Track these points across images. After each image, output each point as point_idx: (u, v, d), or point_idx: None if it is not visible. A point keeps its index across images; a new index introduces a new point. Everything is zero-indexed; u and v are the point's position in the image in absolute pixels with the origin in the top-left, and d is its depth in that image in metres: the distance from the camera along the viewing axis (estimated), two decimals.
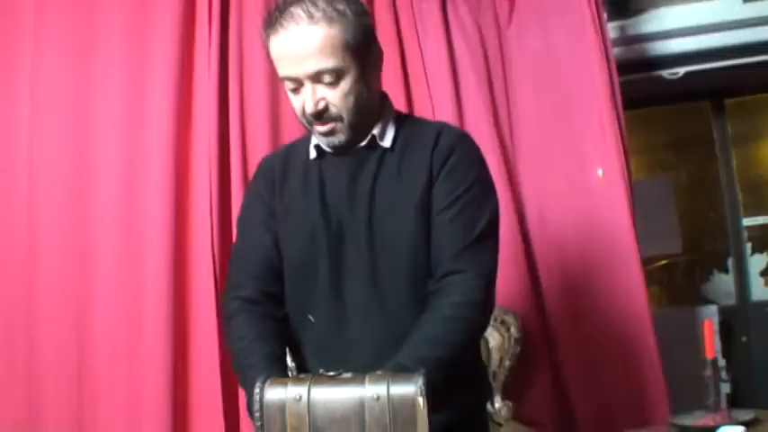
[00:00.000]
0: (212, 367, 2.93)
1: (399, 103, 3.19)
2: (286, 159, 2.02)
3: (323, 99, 1.79)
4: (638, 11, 3.95)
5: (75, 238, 3.07)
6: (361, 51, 1.82)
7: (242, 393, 2.91)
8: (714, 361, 2.17)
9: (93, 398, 2.98)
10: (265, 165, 2.08)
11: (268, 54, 1.83)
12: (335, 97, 1.79)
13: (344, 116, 1.82)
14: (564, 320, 3.26)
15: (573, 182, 3.35)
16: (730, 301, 4.93)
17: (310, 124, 1.84)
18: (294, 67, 1.76)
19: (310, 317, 1.89)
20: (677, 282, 5.47)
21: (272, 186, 1.97)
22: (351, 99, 1.81)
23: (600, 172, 3.30)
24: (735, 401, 4.55)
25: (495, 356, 3.01)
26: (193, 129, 3.13)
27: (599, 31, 3.30)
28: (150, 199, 3.04)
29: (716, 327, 4.57)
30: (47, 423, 2.99)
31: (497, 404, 3.00)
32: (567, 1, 3.37)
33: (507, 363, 3.00)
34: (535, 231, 3.35)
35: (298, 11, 1.74)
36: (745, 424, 2.02)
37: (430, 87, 3.30)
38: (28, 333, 3.05)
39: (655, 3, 3.93)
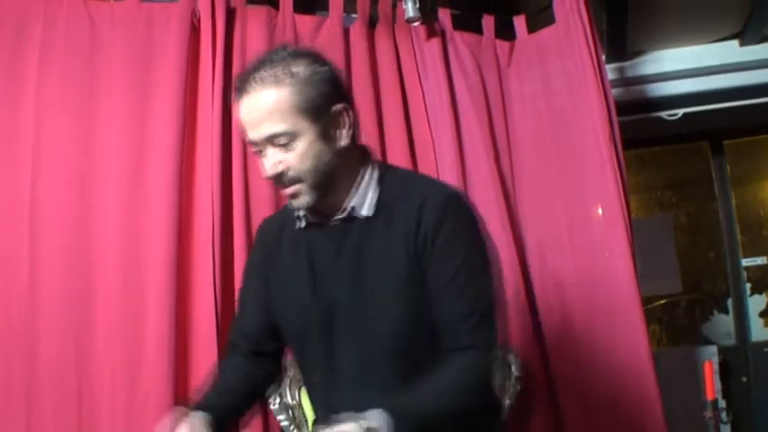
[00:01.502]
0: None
1: (401, 144, 3.24)
2: (282, 224, 2.02)
3: (280, 162, 1.76)
4: (637, 53, 4.00)
5: (77, 252, 3.08)
6: (317, 112, 1.78)
7: None
8: (714, 402, 2.18)
9: (92, 411, 2.97)
10: (262, 230, 2.12)
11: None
12: (291, 160, 1.76)
13: (304, 178, 1.78)
14: (564, 359, 3.26)
15: (573, 220, 3.37)
16: (730, 341, 4.92)
17: (278, 188, 1.83)
18: (252, 131, 1.76)
19: (313, 378, 1.95)
20: (677, 321, 5.46)
21: (267, 253, 2.01)
22: (309, 161, 1.77)
23: (600, 211, 3.32)
24: None
25: None
26: (197, 140, 3.14)
27: (597, 73, 3.33)
28: (153, 214, 3.03)
29: (715, 367, 4.57)
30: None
31: None
32: (566, 43, 3.40)
33: (507, 401, 3.00)
34: (535, 270, 3.37)
35: (253, 75, 1.75)
36: None
37: (431, 127, 3.32)
38: (27, 343, 3.04)
39: (653, 45, 3.99)
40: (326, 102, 1.80)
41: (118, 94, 2.95)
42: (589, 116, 3.35)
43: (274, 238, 2.01)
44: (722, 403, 4.53)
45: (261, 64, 1.76)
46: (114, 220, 2.96)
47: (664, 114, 4.09)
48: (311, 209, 1.86)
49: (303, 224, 1.91)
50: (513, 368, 3.02)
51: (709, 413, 2.18)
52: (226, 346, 2.09)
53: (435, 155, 3.30)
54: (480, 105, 3.38)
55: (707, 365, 2.13)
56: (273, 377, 2.03)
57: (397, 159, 3.24)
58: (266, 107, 1.72)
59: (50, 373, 3.00)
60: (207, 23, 3.00)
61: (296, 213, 1.91)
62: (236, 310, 2.11)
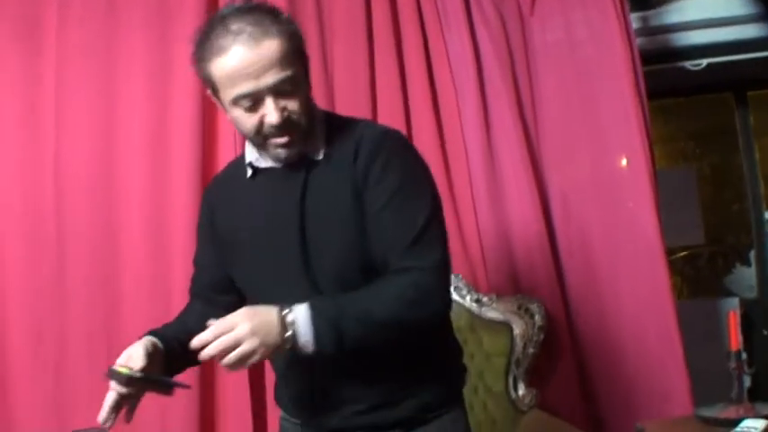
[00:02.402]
0: None
1: (423, 95, 3.26)
2: (224, 179, 2.09)
3: (284, 109, 1.77)
4: (661, 2, 3.95)
5: (102, 207, 3.14)
6: (305, 58, 1.85)
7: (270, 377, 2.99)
8: (738, 352, 2.17)
9: None
10: (207, 189, 2.18)
11: (207, 79, 1.80)
12: (295, 106, 1.79)
13: (302, 125, 1.81)
14: (587, 308, 3.28)
15: (597, 171, 3.37)
16: (752, 294, 4.91)
17: (266, 139, 1.81)
18: (254, 81, 1.73)
19: None
20: (699, 273, 5.46)
21: (211, 208, 2.05)
22: (305, 107, 1.81)
23: (624, 161, 3.32)
24: (755, 395, 4.55)
25: (518, 343, 3.04)
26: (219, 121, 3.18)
27: (622, 22, 3.31)
28: (176, 172, 3.12)
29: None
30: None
31: (521, 391, 3.03)
32: None
33: (531, 350, 3.03)
34: (559, 220, 3.37)
35: (245, 28, 1.73)
36: None
37: (454, 79, 3.32)
38: (57, 296, 3.14)
39: None
40: (304, 48, 1.86)
41: (138, 54, 2.99)
42: (613, 66, 3.33)
43: (218, 194, 2.05)
44: (743, 356, 4.55)
45: (240, 16, 1.75)
46: (138, 178, 3.02)
47: (688, 64, 4.04)
48: (267, 156, 1.88)
49: (250, 173, 1.93)
50: (536, 317, 3.05)
51: (733, 364, 2.17)
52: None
53: (458, 107, 3.30)
54: (503, 57, 3.36)
55: (731, 315, 2.12)
56: None
57: (420, 112, 3.26)
58: (272, 55, 1.73)
59: (79, 326, 3.08)
60: None
61: (247, 161, 1.93)
62: (193, 260, 2.14)
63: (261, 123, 1.77)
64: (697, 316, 4.51)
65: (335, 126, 1.93)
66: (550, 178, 3.38)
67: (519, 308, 3.06)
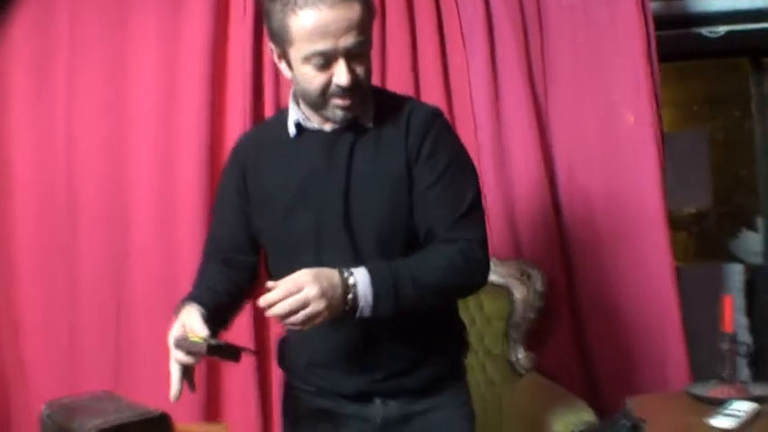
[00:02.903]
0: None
1: (433, 57, 3.26)
2: (259, 139, 2.08)
3: (354, 72, 1.81)
4: None
5: (112, 178, 3.18)
6: (372, 26, 1.88)
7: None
8: (732, 335, 2.20)
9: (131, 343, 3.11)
10: (238, 146, 2.14)
11: (281, 31, 1.81)
12: (363, 71, 1.84)
13: (364, 88, 1.87)
14: (588, 275, 3.32)
15: (604, 135, 3.37)
16: (757, 259, 4.92)
17: (328, 99, 1.85)
18: (333, 41, 1.76)
19: None
20: (705, 233, 5.47)
21: (242, 168, 2.03)
22: (370, 72, 1.87)
23: (631, 125, 3.31)
24: (756, 360, 4.60)
25: (518, 308, 3.08)
26: (228, 68, 3.20)
27: None
28: (185, 142, 3.15)
29: (741, 285, 4.59)
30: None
31: (519, 354, 3.08)
32: None
33: (530, 315, 3.07)
34: (564, 184, 3.40)
35: None
36: (759, 399, 2.05)
37: (465, 41, 3.31)
38: (68, 260, 3.20)
39: None
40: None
41: (149, 34, 3.02)
42: (626, 29, 3.32)
43: (252, 152, 2.05)
44: (745, 321, 4.59)
45: None
46: (147, 149, 3.07)
47: (705, 31, 4.00)
48: (313, 117, 1.93)
49: (294, 132, 1.96)
50: (536, 283, 3.08)
51: (726, 345, 2.20)
52: (201, 257, 2.12)
53: (468, 70, 3.30)
54: (516, 18, 3.35)
55: (726, 300, 2.14)
56: (250, 286, 2.06)
57: (429, 74, 3.25)
58: (354, 18, 1.77)
59: (90, 290, 3.14)
60: None
61: (294, 121, 1.96)
62: (211, 224, 2.16)
63: (328, 83, 1.81)
64: (702, 280, 4.54)
65: (382, 98, 1.99)
66: (557, 144, 3.39)
67: (520, 273, 3.10)
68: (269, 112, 3.10)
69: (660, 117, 3.33)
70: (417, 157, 1.89)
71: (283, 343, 2.13)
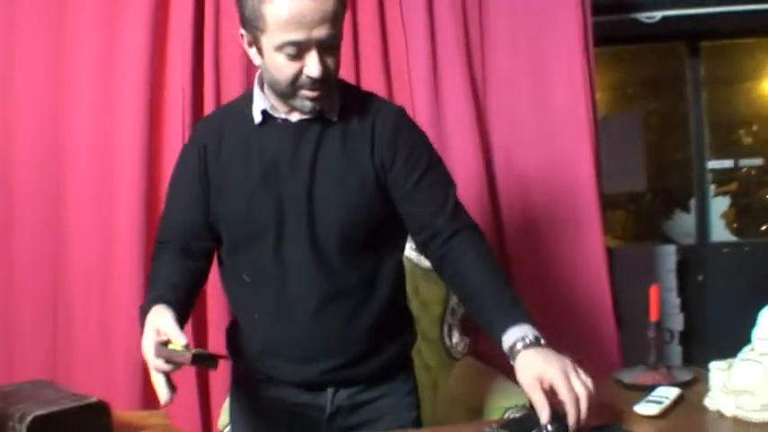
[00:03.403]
0: None
1: (374, 42, 3.23)
2: (221, 123, 2.05)
3: (325, 64, 1.82)
4: None
5: (50, 156, 3.10)
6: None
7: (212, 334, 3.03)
8: (657, 323, 2.24)
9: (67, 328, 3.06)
10: (199, 129, 2.13)
11: (255, 18, 1.81)
12: (333, 63, 1.85)
13: (332, 81, 1.89)
14: (524, 260, 3.36)
15: (539, 121, 3.42)
16: (690, 240, 5.02)
17: (298, 90, 1.85)
18: (306, 31, 1.77)
19: (245, 276, 1.98)
20: (641, 214, 5.55)
21: (203, 151, 2.00)
22: (338, 65, 1.88)
23: (565, 110, 3.35)
24: (687, 338, 4.71)
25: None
26: (168, 73, 3.14)
27: None
28: (124, 120, 3.08)
29: (673, 266, 4.68)
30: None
31: (455, 339, 3.10)
32: None
33: None
34: (501, 168, 3.43)
35: None
36: (683, 384, 2.10)
37: (405, 25, 3.31)
38: (3, 241, 3.12)
39: None
40: None
41: (89, 14, 2.94)
42: (563, 14, 3.38)
43: (213, 135, 2.02)
44: (677, 301, 4.69)
45: None
46: (86, 125, 2.99)
47: (641, 16, 4.05)
48: (279, 106, 1.93)
49: (260, 119, 1.96)
50: None
51: (652, 333, 2.24)
52: (155, 244, 2.09)
53: (408, 54, 3.30)
54: (456, 3, 3.36)
55: (652, 290, 2.18)
56: (205, 275, 2.05)
57: (369, 58, 3.24)
58: (329, 10, 1.77)
59: (26, 280, 3.07)
60: None
61: (261, 108, 1.95)
62: (164, 209, 2.11)
63: (299, 73, 1.82)
64: (636, 261, 4.62)
65: (347, 92, 2.01)
66: (494, 128, 3.42)
67: None
68: (208, 105, 3.06)
69: (595, 100, 3.37)
70: (394, 160, 1.93)
71: (233, 331, 2.11)
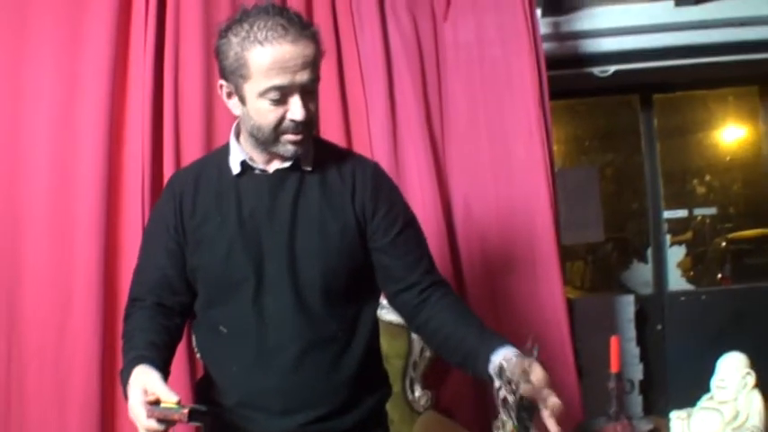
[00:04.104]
0: None
1: (333, 98, 3.25)
2: (197, 177, 2.07)
3: (307, 108, 1.88)
4: (573, 9, 4.01)
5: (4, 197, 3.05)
6: None
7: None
8: (618, 374, 2.26)
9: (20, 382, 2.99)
10: (174, 181, 2.14)
11: (238, 66, 1.86)
12: (314, 107, 1.93)
13: (314, 126, 1.98)
14: (484, 312, 3.33)
15: (498, 172, 3.43)
16: (647, 289, 5.07)
17: (281, 134, 1.90)
18: (291, 76, 1.83)
19: (222, 328, 1.98)
20: (599, 264, 5.61)
21: (179, 205, 2.02)
22: (317, 110, 1.97)
23: (523, 163, 3.38)
24: (647, 388, 4.73)
25: (416, 347, 3.09)
26: (126, 124, 3.10)
27: (530, 26, 3.38)
28: (82, 193, 3.02)
29: (631, 316, 4.71)
30: None
31: (417, 393, 3.09)
32: None
33: (428, 354, 3.08)
34: (460, 220, 3.43)
35: (288, 26, 1.84)
36: None
37: (364, 79, 3.33)
38: None
39: (589, 1, 4.00)
40: None
41: (48, 35, 2.90)
42: (518, 68, 3.40)
43: (188, 188, 2.05)
44: (636, 351, 4.72)
45: (289, 16, 1.86)
46: (43, 165, 2.94)
47: (595, 71, 4.13)
48: (257, 157, 1.99)
49: (238, 170, 1.99)
50: None
51: (612, 384, 2.26)
52: (128, 297, 2.07)
53: (367, 111, 3.33)
54: (414, 60, 3.39)
55: (613, 341, 2.21)
56: (180, 332, 2.04)
57: (330, 114, 3.25)
58: (310, 56, 1.85)
59: None
60: None
61: (240, 159, 1.99)
62: (138, 264, 2.11)
63: (282, 118, 1.88)
64: (594, 311, 4.64)
65: (320, 144, 2.09)
66: (453, 180, 3.44)
67: None
68: (168, 163, 3.04)
69: (552, 152, 3.41)
70: (375, 212, 2.02)
71: (205, 385, 2.09)
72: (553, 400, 1.67)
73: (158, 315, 1.98)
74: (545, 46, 3.52)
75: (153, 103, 2.98)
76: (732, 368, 2.03)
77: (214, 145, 2.98)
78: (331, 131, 3.21)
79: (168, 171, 2.95)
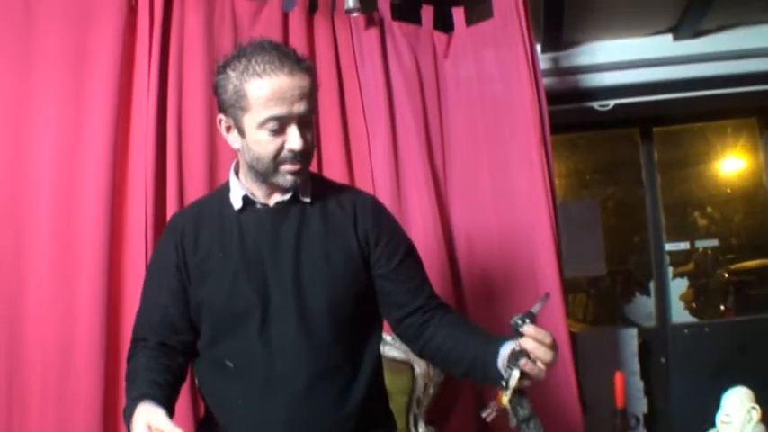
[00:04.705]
0: None
1: (335, 133, 3.25)
2: (198, 215, 2.12)
3: (305, 139, 1.94)
4: (572, 44, 4.05)
5: (8, 242, 3.03)
6: None
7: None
8: (623, 410, 2.26)
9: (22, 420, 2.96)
10: (174, 223, 2.16)
11: (237, 98, 1.92)
12: (311, 138, 1.98)
13: (311, 156, 2.02)
14: None
15: (499, 207, 3.44)
16: (650, 322, 5.06)
17: (279, 165, 1.95)
18: (288, 107, 1.90)
19: (228, 362, 1.98)
20: (602, 297, 5.60)
21: (180, 242, 2.06)
22: (314, 141, 2.03)
23: (526, 197, 3.38)
24: (651, 422, 4.71)
25: (419, 383, 3.08)
26: (132, 123, 3.09)
27: (530, 62, 3.39)
28: (86, 214, 3.00)
29: (635, 349, 4.70)
30: None
31: (421, 429, 3.07)
32: (503, 35, 3.45)
33: (431, 390, 3.07)
34: (463, 255, 3.44)
35: (285, 60, 1.91)
36: None
37: (366, 117, 3.35)
38: None
39: (589, 37, 4.03)
40: None
41: (53, 76, 2.89)
42: (519, 103, 3.41)
43: (190, 226, 2.08)
44: (641, 384, 4.70)
45: (285, 51, 1.94)
46: (46, 207, 2.92)
47: (595, 105, 4.16)
48: (258, 191, 2.04)
49: (240, 205, 2.04)
50: None
51: (617, 420, 2.26)
52: (131, 339, 2.09)
53: (369, 145, 3.34)
54: (415, 95, 3.42)
55: (617, 377, 2.21)
56: (184, 372, 2.05)
57: (332, 147, 3.26)
58: (306, 87, 1.92)
59: None
60: (145, 6, 2.96)
61: (235, 195, 2.04)
62: (141, 305, 2.13)
63: (281, 149, 1.93)
64: (598, 344, 4.64)
65: (317, 179, 2.17)
66: (456, 215, 3.45)
67: None
68: (171, 202, 3.04)
69: (554, 186, 3.41)
70: (378, 240, 2.07)
71: (208, 424, 2.09)
72: (542, 350, 1.76)
73: (161, 355, 1.99)
74: (545, 81, 3.54)
75: (156, 129, 2.96)
76: (737, 403, 2.03)
77: (217, 171, 3.00)
78: (333, 165, 3.23)
79: (171, 199, 2.94)
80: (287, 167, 1.95)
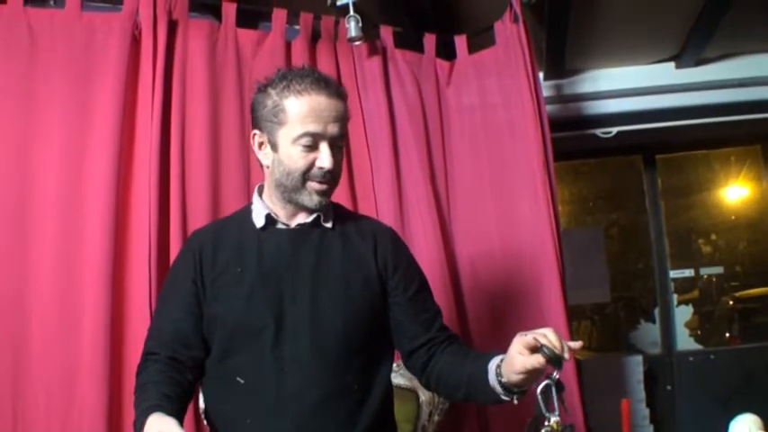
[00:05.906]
0: None
1: None
2: (218, 232, 2.15)
3: (335, 159, 2.02)
4: (575, 71, 4.07)
5: (13, 261, 3.01)
6: None
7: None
8: None
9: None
10: (193, 240, 2.19)
11: (276, 114, 2.00)
12: (340, 160, 2.07)
13: (338, 178, 2.10)
14: None
15: (503, 233, 3.45)
16: (656, 350, 5.05)
17: (307, 181, 2.01)
18: (324, 125, 1.99)
19: (239, 378, 1.99)
20: (605, 326, 5.59)
21: (198, 258, 2.08)
22: (341, 166, 2.10)
23: (529, 223, 3.38)
24: None
25: (424, 411, 3.06)
26: (135, 152, 3.08)
27: (533, 90, 3.41)
28: (90, 224, 2.95)
29: (641, 376, 4.69)
30: None
31: None
32: (505, 63, 3.47)
33: (436, 417, 3.06)
34: (467, 283, 3.43)
35: (322, 84, 2.01)
36: None
37: (369, 145, 3.35)
38: None
39: (591, 64, 4.05)
40: None
41: (57, 105, 2.88)
42: (522, 130, 3.43)
43: (209, 243, 2.11)
44: (646, 412, 4.68)
45: (324, 76, 2.05)
46: (51, 232, 2.91)
47: (598, 132, 4.17)
48: (281, 212, 2.09)
49: (262, 223, 2.09)
50: None
51: None
52: (141, 357, 2.07)
53: (372, 173, 3.34)
54: (418, 123, 3.43)
55: (624, 405, 2.21)
56: (192, 389, 2.05)
57: None
58: (341, 111, 2.04)
59: None
60: (148, 35, 2.96)
61: (258, 214, 2.10)
62: (153, 321, 2.15)
63: (311, 165, 2.00)
64: (603, 371, 4.62)
65: (338, 207, 2.23)
66: (460, 241, 3.45)
67: None
68: (175, 191, 3.02)
69: (558, 213, 3.41)
70: (396, 268, 2.13)
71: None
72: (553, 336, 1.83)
73: (171, 369, 1.99)
74: (548, 108, 3.56)
75: (159, 158, 2.96)
76: (745, 430, 2.01)
77: (219, 197, 3.00)
78: (336, 192, 3.17)
79: (175, 238, 2.94)
80: (314, 185, 2.02)
